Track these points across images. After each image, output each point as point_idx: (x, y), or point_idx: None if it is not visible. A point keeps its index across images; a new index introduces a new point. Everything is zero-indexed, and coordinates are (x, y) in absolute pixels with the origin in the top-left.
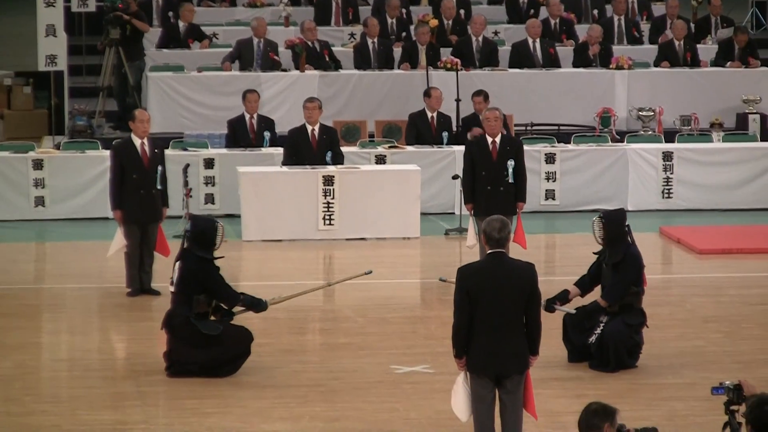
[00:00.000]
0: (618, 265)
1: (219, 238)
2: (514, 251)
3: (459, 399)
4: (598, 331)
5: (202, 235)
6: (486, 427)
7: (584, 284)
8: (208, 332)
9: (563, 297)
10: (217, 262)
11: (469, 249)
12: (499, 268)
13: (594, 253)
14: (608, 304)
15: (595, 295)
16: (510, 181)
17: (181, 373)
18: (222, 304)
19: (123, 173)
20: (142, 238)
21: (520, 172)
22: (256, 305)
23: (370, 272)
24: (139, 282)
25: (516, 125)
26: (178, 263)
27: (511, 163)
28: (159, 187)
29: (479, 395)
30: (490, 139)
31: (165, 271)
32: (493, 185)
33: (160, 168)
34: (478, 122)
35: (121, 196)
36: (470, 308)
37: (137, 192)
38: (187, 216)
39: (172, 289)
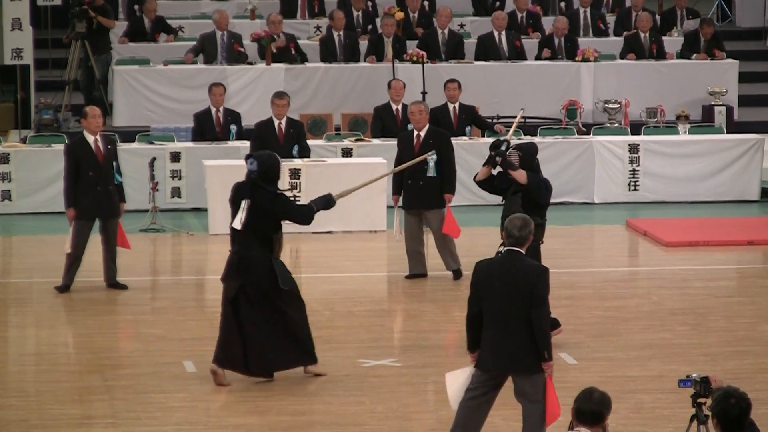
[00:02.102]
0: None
1: (281, 171)
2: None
3: (455, 386)
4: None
5: (270, 171)
6: (467, 425)
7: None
8: (283, 285)
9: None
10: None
11: (398, 242)
12: (509, 266)
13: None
14: (525, 181)
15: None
16: (430, 174)
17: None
18: (301, 223)
19: (78, 171)
20: (103, 234)
21: (446, 165)
22: (326, 204)
23: (433, 153)
24: (104, 277)
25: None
26: (246, 202)
27: (432, 157)
28: (117, 182)
29: (473, 391)
30: (416, 133)
31: (130, 264)
32: (412, 178)
33: (114, 163)
34: (447, 112)
35: (76, 194)
36: (479, 302)
37: (93, 189)
38: (245, 157)
39: (237, 226)
